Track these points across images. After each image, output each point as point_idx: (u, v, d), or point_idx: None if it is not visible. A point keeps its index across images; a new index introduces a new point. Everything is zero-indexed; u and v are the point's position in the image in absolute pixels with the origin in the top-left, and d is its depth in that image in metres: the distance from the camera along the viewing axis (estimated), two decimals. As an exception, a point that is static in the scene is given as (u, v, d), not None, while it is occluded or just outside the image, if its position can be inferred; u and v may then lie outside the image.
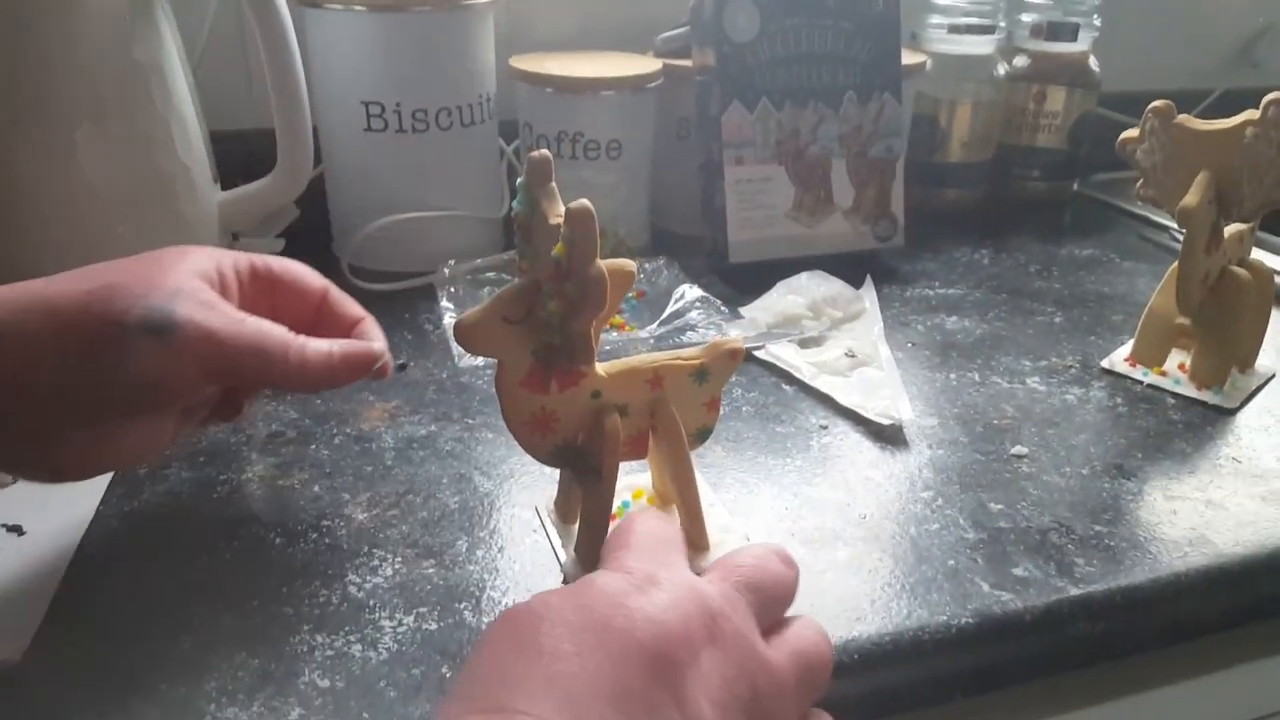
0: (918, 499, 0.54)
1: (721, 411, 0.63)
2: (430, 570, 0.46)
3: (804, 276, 0.77)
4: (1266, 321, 0.69)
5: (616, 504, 0.50)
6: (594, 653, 0.31)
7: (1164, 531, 0.51)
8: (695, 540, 0.48)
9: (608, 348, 0.70)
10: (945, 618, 0.45)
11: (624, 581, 0.35)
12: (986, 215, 1.01)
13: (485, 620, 0.43)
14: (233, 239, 0.73)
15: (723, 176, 0.81)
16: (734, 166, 0.81)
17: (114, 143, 0.61)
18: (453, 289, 0.76)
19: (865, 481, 0.55)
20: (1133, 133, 0.66)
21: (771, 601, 0.38)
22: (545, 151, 0.42)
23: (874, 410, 0.61)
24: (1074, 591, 0.47)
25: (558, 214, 0.40)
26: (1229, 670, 0.52)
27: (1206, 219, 0.62)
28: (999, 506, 0.53)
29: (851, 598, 0.46)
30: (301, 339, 0.45)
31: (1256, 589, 0.50)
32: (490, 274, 0.80)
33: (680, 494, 0.47)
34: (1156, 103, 0.63)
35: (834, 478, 0.55)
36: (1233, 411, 0.64)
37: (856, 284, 0.79)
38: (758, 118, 0.81)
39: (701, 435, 0.48)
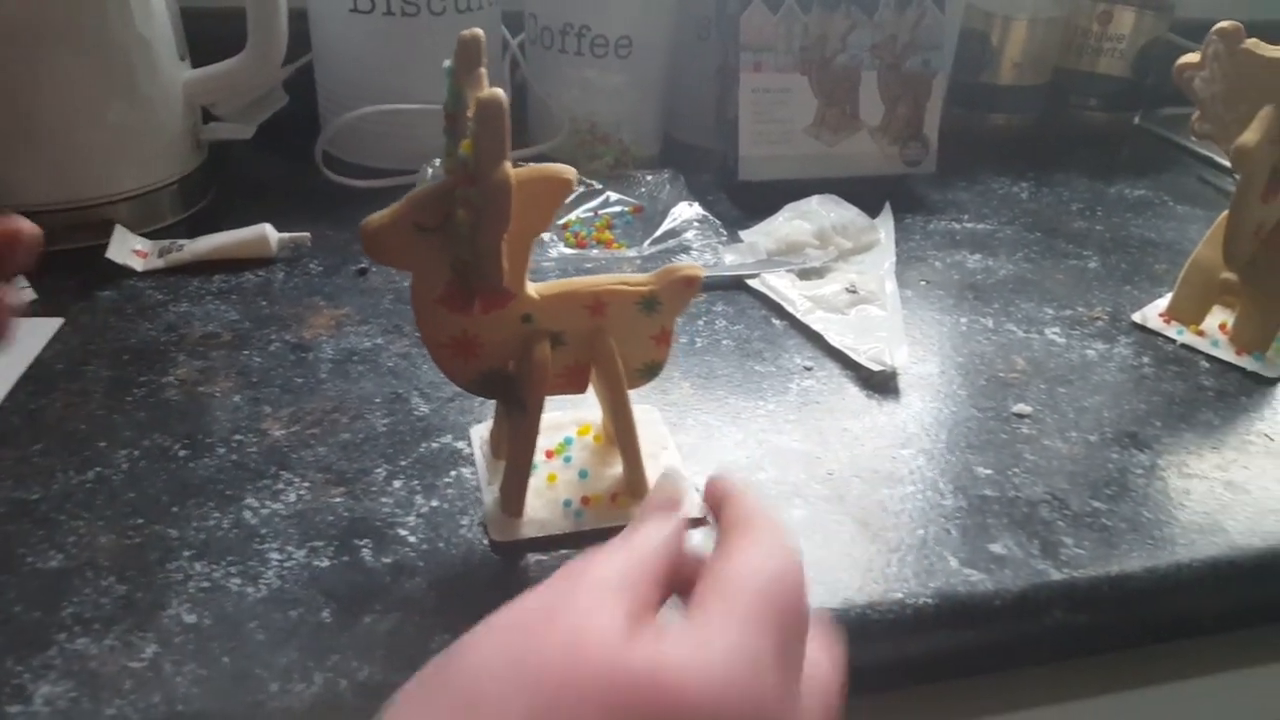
0: (896, 457, 0.48)
1: (699, 344, 0.58)
2: (338, 500, 0.42)
3: (814, 200, 0.70)
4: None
5: (558, 439, 0.46)
6: None
7: (1172, 514, 0.45)
8: (634, 487, 0.43)
9: (589, 266, 0.65)
10: (901, 596, 0.39)
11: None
12: (1035, 145, 0.92)
13: (385, 562, 0.39)
14: (204, 120, 0.69)
15: (737, 84, 0.74)
16: (751, 73, 0.74)
17: (64, 8, 0.56)
18: (433, 191, 0.70)
19: (841, 433, 0.50)
20: (1193, 57, 0.57)
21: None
22: (477, 31, 0.36)
23: (865, 353, 0.55)
24: (1056, 576, 0.41)
25: (478, 106, 0.34)
26: (1227, 675, 0.46)
27: (1266, 160, 0.54)
28: (987, 472, 0.47)
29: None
30: None
31: (1271, 588, 0.44)
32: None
33: (618, 435, 0.42)
34: (1222, 23, 0.54)
35: (807, 427, 0.50)
36: (1273, 381, 0.57)
37: (875, 212, 0.73)
38: (781, 19, 0.73)
39: (648, 372, 0.42)
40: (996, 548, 0.42)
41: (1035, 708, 0.43)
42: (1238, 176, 0.54)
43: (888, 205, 0.73)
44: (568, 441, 0.46)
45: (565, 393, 0.42)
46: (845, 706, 0.40)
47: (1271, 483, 0.48)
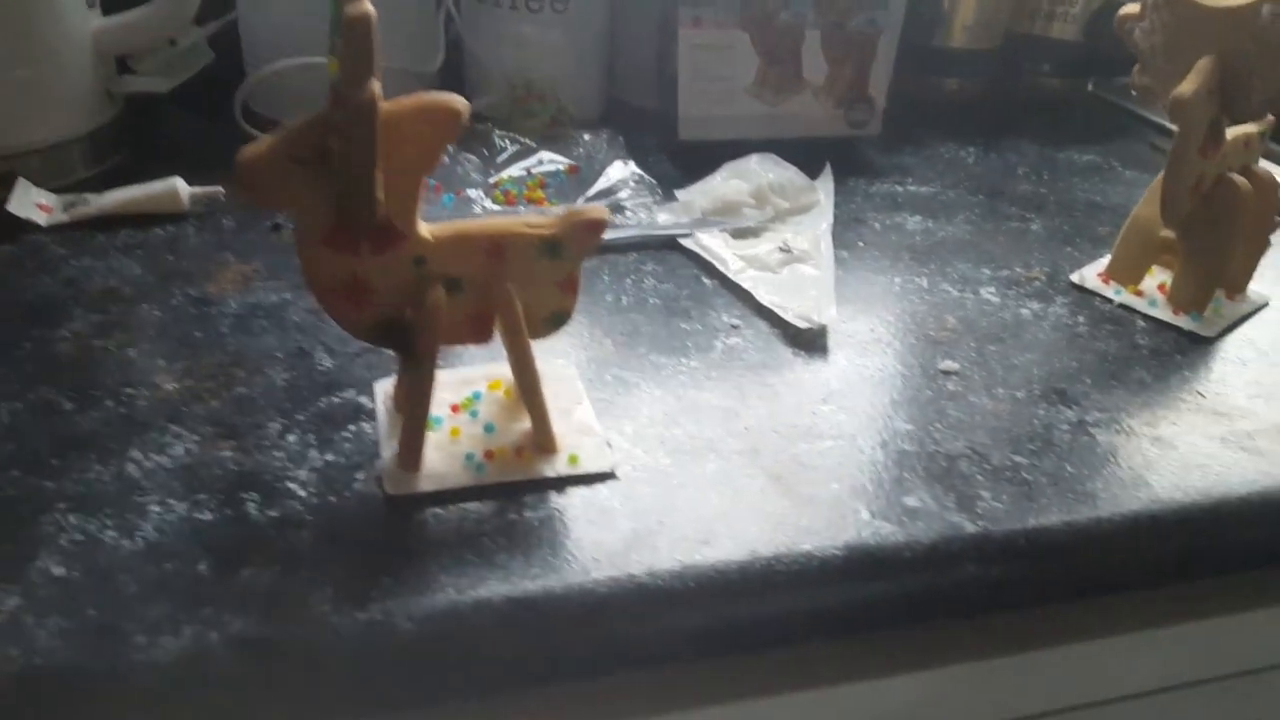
0: (816, 412, 0.47)
1: (625, 302, 0.57)
2: (227, 454, 0.40)
3: (753, 159, 0.68)
4: (1265, 242, 0.60)
5: (466, 393, 0.44)
6: None
7: (1096, 469, 0.44)
8: (542, 441, 0.41)
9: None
10: (808, 548, 0.38)
11: None
12: (986, 111, 0.91)
13: (271, 515, 0.37)
14: (119, 72, 0.66)
15: (676, 40, 0.72)
16: (690, 29, 0.72)
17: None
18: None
19: (762, 389, 0.48)
20: (1133, 8, 0.56)
21: None
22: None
23: (793, 311, 0.54)
24: (969, 529, 0.40)
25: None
26: (1148, 632, 0.45)
27: (1204, 113, 0.53)
28: (908, 427, 0.46)
29: (705, 518, 0.39)
30: None
31: (1193, 543, 0.43)
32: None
33: (520, 387, 0.40)
34: (1160, -30, 0.53)
35: (728, 383, 0.49)
36: (1210, 340, 0.56)
37: (817, 174, 0.71)
38: (721, -26, 0.72)
39: (555, 321, 0.41)
40: (911, 500, 0.41)
41: (951, 665, 0.42)
42: (1175, 130, 0.53)
43: (828, 166, 0.72)
44: (476, 396, 0.44)
45: (468, 343, 0.41)
46: (754, 661, 0.39)
47: (1200, 439, 0.47)
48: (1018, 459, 0.44)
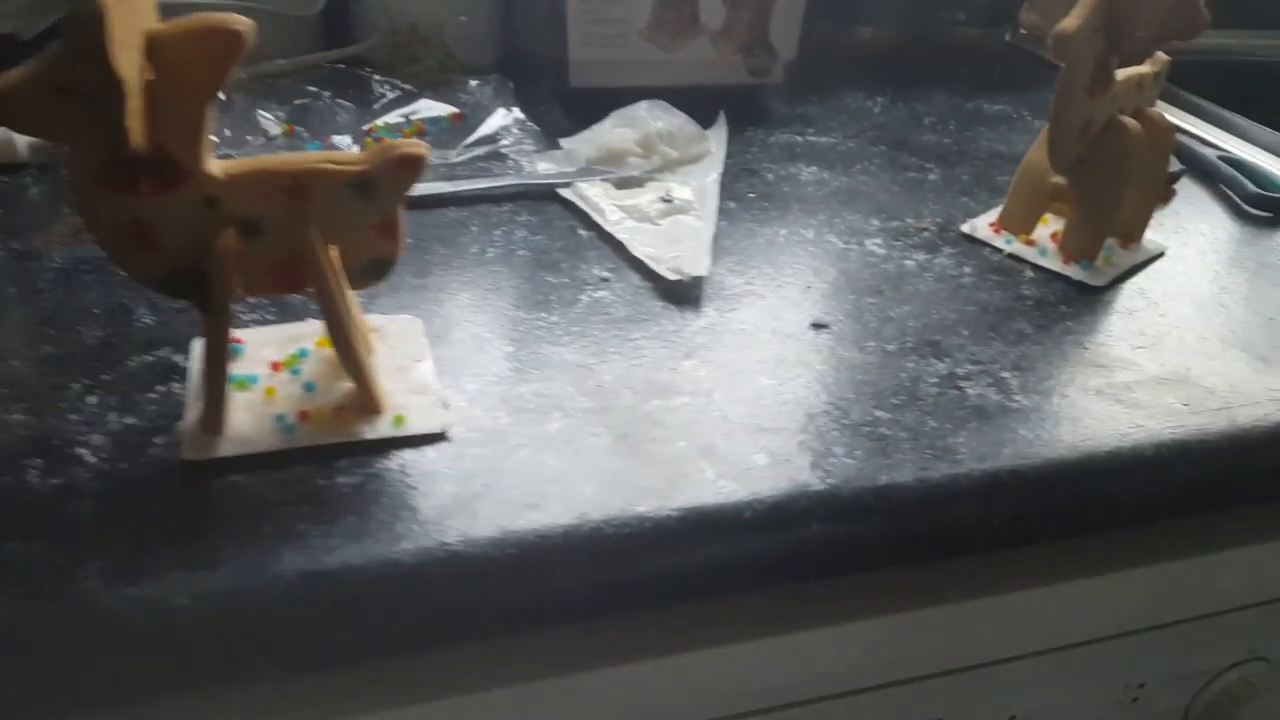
0: (677, 369, 0.44)
1: (490, 254, 0.54)
2: (17, 418, 0.37)
3: (642, 106, 0.65)
4: (1159, 187, 0.58)
5: (291, 350, 0.41)
6: None
7: (959, 424, 0.42)
8: (365, 402, 0.39)
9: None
10: (643, 510, 0.36)
11: None
12: (900, 61, 0.89)
13: (53, 483, 0.34)
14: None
15: (564, -18, 0.69)
16: (578, -29, 0.69)
17: None
18: (229, 96, 0.64)
19: (624, 344, 0.46)
20: (1021, -59, 0.54)
21: None
22: None
23: (666, 264, 0.51)
24: (817, 486, 0.38)
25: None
26: (1008, 595, 0.44)
27: (1089, 51, 0.50)
28: (769, 382, 0.44)
29: (537, 480, 0.37)
30: None
31: (1054, 500, 0.41)
32: (286, 81, 0.69)
33: (334, 344, 0.37)
34: (1043, -100, 0.50)
35: (588, 338, 0.46)
36: (1099, 290, 0.54)
37: (713, 122, 0.68)
38: (611, -87, 0.68)
39: (374, 269, 0.38)
40: (760, 458, 0.39)
41: (800, 630, 0.40)
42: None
43: (722, 115, 0.69)
44: (302, 354, 0.41)
45: (276, 293, 0.38)
46: (588, 631, 0.37)
47: (1075, 391, 0.45)
48: (879, 413, 0.42)
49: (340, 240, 0.37)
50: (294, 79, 0.69)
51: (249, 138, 0.61)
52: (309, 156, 0.35)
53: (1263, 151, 0.74)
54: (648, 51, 0.71)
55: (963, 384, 0.45)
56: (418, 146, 0.36)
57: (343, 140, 0.62)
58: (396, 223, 0.37)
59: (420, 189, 0.57)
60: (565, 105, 0.72)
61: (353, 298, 0.41)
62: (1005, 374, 0.46)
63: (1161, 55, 0.57)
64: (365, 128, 0.64)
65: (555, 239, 0.55)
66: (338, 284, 0.37)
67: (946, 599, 0.42)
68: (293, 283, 0.37)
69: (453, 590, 0.34)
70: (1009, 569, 0.43)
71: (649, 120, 0.64)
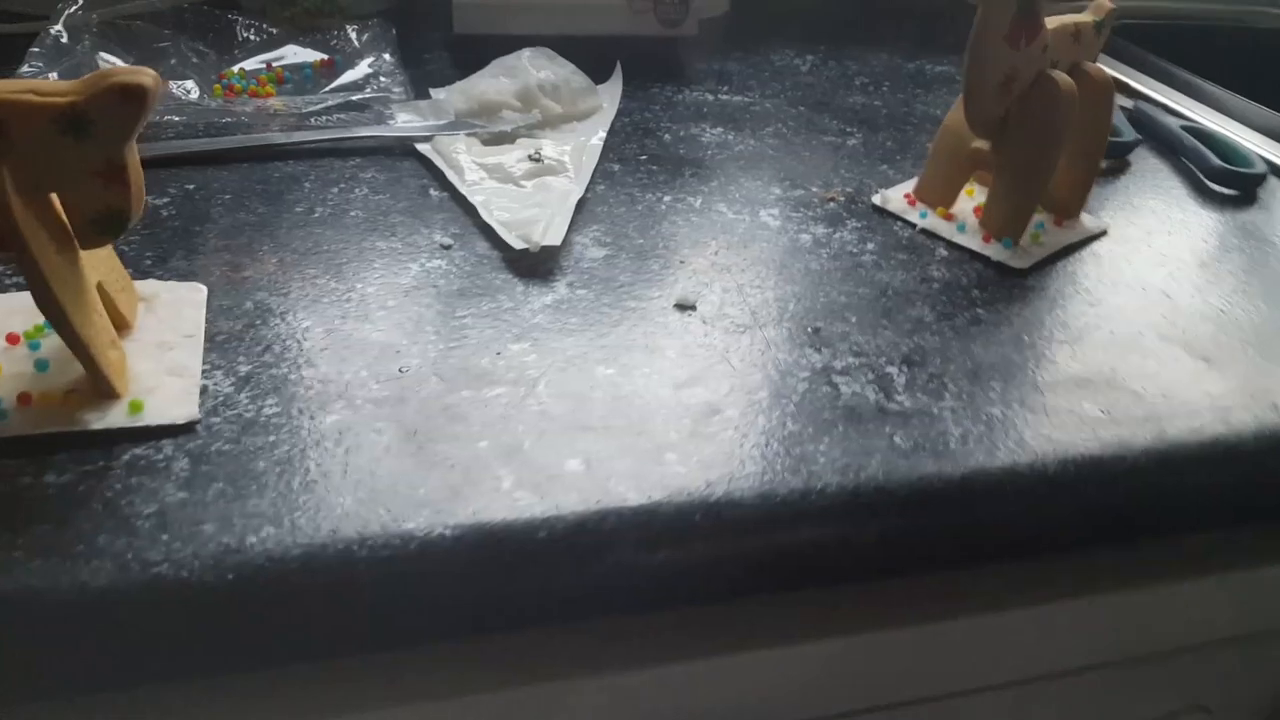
0: (503, 352, 0.38)
1: (319, 214, 0.47)
2: None
3: (525, 55, 0.58)
4: (1099, 151, 0.52)
5: (40, 321, 0.34)
6: None
7: (823, 428, 0.36)
8: (98, 385, 0.32)
9: (245, 119, 0.52)
10: (410, 526, 0.29)
11: None
12: (840, 16, 0.82)
13: None
14: None
15: (448, -86, 0.61)
16: (465, -98, 0.61)
17: None
18: (58, 40, 0.57)
19: (445, 323, 0.39)
20: None
21: None
22: None
23: (516, 230, 0.45)
24: (632, 501, 0.31)
25: None
26: (876, 634, 0.37)
27: (1006, -6, 0.44)
28: (608, 372, 0.37)
29: (285, 491, 0.30)
30: None
31: (925, 525, 0.35)
32: (142, 24, 0.61)
33: (45, 315, 0.31)
34: None
35: (404, 314, 0.39)
36: (1021, 274, 0.48)
37: (609, 75, 0.62)
38: None
39: (107, 224, 0.31)
40: (573, 464, 0.33)
41: (620, 670, 0.34)
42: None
43: (618, 67, 0.62)
44: (48, 326, 0.35)
45: (-25, 253, 0.31)
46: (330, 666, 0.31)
47: (971, 392, 0.39)
48: (729, 413, 0.36)
49: (57, 189, 0.30)
50: (150, 22, 0.61)
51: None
52: (5, 85, 0.29)
53: (1232, 121, 0.67)
54: (545, -5, 0.64)
55: (838, 379, 0.39)
56: (140, 74, 0.29)
57: (188, 85, 0.55)
58: (124, 167, 0.30)
59: (251, 139, 0.51)
60: (455, 55, 0.65)
61: (110, 258, 0.35)
62: (890, 369, 0.40)
63: (1105, 2, 0.51)
64: (217, 74, 0.57)
65: (399, 199, 0.48)
66: (49, 242, 0.30)
67: (800, 636, 0.36)
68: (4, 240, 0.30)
69: (151, 621, 0.27)
70: (886, 601, 0.37)
71: (530, 70, 0.57)
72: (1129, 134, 0.62)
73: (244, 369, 0.35)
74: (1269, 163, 0.61)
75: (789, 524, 0.33)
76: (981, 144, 0.50)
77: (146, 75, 0.29)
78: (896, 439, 0.36)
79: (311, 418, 0.33)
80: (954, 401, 0.38)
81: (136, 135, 0.30)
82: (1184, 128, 0.63)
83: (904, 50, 0.76)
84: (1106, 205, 0.55)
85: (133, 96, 0.29)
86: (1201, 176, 0.60)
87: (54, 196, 0.31)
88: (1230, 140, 0.62)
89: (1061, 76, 0.47)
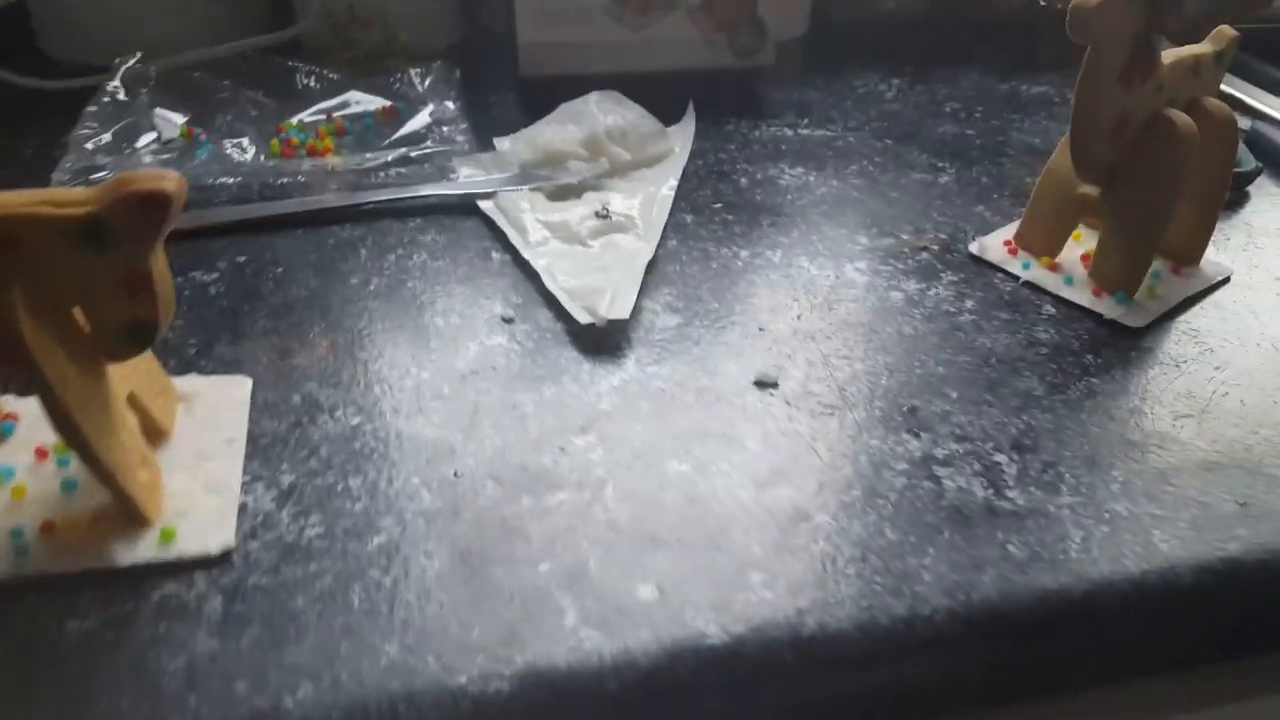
0: (567, 446, 0.35)
1: (375, 286, 0.44)
2: None
3: (592, 99, 0.55)
4: (1222, 192, 0.46)
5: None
6: None
7: (926, 534, 0.32)
8: (128, 510, 0.30)
9: (302, 179, 0.50)
10: (463, 680, 0.26)
11: None
12: (926, 35, 0.77)
13: None
14: None
15: (509, -51, 0.58)
16: (526, -65, 0.58)
17: None
18: (115, 97, 0.56)
19: (505, 413, 0.36)
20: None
21: None
22: None
23: (579, 301, 0.41)
24: (714, 640, 0.28)
25: None
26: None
27: (1119, 25, 0.39)
28: (682, 469, 0.34)
29: (328, 636, 0.27)
30: None
31: (1050, 652, 0.31)
32: (201, 75, 0.60)
33: (69, 445, 0.28)
34: None
35: (461, 404, 0.36)
36: (1138, 332, 0.43)
37: (682, 115, 0.58)
38: None
39: (134, 335, 0.29)
40: (645, 591, 0.29)
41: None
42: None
43: (690, 107, 0.58)
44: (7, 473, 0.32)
45: (-2, 371, 0.29)
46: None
47: (1093, 484, 0.34)
48: (820, 518, 0.32)
49: (79, 303, 0.28)
50: (210, 71, 0.60)
51: (136, 144, 0.53)
52: (17, 197, 0.26)
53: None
54: (609, 31, 0.61)
55: (940, 472, 0.34)
56: (161, 180, 0.26)
57: (243, 142, 0.53)
58: (148, 276, 0.28)
59: (306, 202, 0.48)
60: (521, 97, 0.62)
61: (145, 361, 0.33)
62: (999, 457, 0.35)
63: (1227, 30, 0.45)
64: (275, 126, 0.55)
65: (459, 264, 0.45)
66: (68, 362, 0.28)
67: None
68: (12, 356, 0.28)
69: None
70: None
71: (598, 115, 0.54)
72: (1248, 162, 0.56)
73: (287, 479, 0.33)
74: None
75: (892, 659, 0.29)
76: (1089, 190, 0.45)
77: (168, 180, 0.26)
78: (1010, 546, 0.32)
79: (358, 538, 0.31)
80: (1071, 496, 0.34)
81: (161, 242, 0.27)
82: (1312, 150, 0.57)
83: (996, 69, 0.71)
84: (1226, 245, 0.50)
85: (154, 204, 0.26)
86: (1335, 206, 0.54)
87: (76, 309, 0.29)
88: (1367, 162, 0.56)
89: (1180, 116, 0.42)
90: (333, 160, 0.52)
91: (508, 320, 0.41)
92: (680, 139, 0.56)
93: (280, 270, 0.44)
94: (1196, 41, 0.44)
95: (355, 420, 0.35)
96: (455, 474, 0.33)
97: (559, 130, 0.53)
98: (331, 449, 0.34)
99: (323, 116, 0.57)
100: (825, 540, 0.31)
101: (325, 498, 0.32)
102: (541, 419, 0.36)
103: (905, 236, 0.49)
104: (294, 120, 0.56)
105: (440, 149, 0.53)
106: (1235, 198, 0.54)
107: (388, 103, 0.59)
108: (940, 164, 0.56)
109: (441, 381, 0.38)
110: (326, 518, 0.31)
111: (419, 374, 0.38)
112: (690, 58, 0.62)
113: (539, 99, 0.58)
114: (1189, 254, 0.47)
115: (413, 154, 0.52)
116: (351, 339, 0.40)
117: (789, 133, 0.60)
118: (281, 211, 0.47)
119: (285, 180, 0.51)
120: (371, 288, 0.43)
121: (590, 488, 0.33)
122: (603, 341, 0.40)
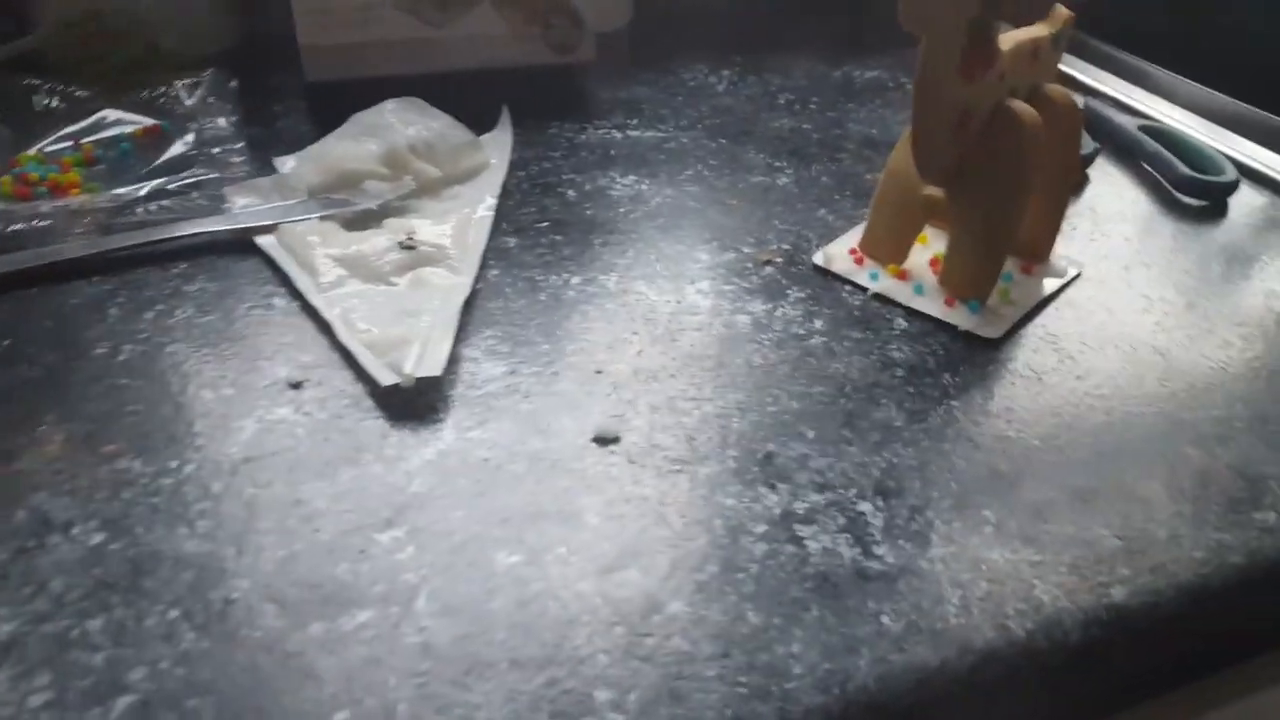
0: (368, 548, 0.29)
1: (124, 356, 0.35)
2: None
3: (388, 108, 0.49)
4: (1068, 184, 0.44)
5: None
6: None
7: (793, 613, 0.28)
8: None
9: (41, 223, 0.42)
10: None
11: None
12: (756, 18, 0.73)
13: None
14: None
15: (283, -59, 0.51)
16: (301, -75, 0.51)
17: None
18: None
19: (288, 511, 0.30)
20: None
21: None
22: None
23: (383, 356, 0.35)
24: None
25: None
26: None
27: (955, 15, 0.36)
28: (511, 560, 0.29)
29: None
30: None
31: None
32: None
33: None
34: None
35: (231, 505, 0.30)
36: (994, 344, 0.40)
37: (493, 122, 0.52)
38: None
39: None
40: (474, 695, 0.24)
41: None
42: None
43: (505, 112, 0.53)
44: None
45: None
46: None
47: (963, 530, 0.31)
48: (674, 606, 0.27)
49: None
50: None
51: None
52: None
53: (1194, 116, 0.60)
54: (404, 27, 0.54)
55: (802, 531, 0.30)
56: None
57: (-42, 181, 0.44)
58: None
59: (42, 254, 0.40)
60: (309, 106, 0.55)
61: None
62: (863, 506, 0.32)
63: (1062, 10, 0.43)
64: (7, 163, 0.46)
65: (233, 319, 0.38)
66: None
67: None
68: None
69: None
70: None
71: (397, 126, 0.47)
72: (1086, 144, 0.55)
73: (6, 629, 0.26)
74: (1239, 165, 0.54)
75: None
76: (935, 190, 0.42)
77: None
78: (884, 618, 0.28)
79: (99, 702, 0.24)
80: (943, 546, 0.31)
81: None
82: (1142, 128, 0.56)
83: (827, 54, 0.68)
84: (1074, 236, 0.48)
85: None
86: (1168, 186, 0.53)
87: None
88: (1195, 142, 0.55)
89: (1023, 107, 0.39)
90: (78, 199, 0.44)
91: (295, 385, 0.35)
92: (496, 149, 0.50)
93: (5, 344, 0.36)
94: (1034, 23, 0.41)
95: (97, 539, 0.28)
96: (227, 600, 0.27)
97: (352, 146, 0.46)
98: (66, 581, 0.27)
99: (69, 144, 0.48)
100: (680, 635, 0.27)
101: (56, 650, 0.25)
102: (336, 515, 0.30)
103: (747, 250, 0.45)
104: (32, 151, 0.48)
105: (210, 175, 0.46)
106: (1075, 181, 0.53)
107: (150, 121, 0.50)
108: (778, 164, 0.53)
109: (209, 477, 0.31)
110: (57, 678, 0.24)
111: (180, 471, 0.31)
112: (501, 55, 0.57)
113: (330, 108, 0.51)
114: (1038, 249, 0.45)
115: (171, 186, 0.45)
116: (94, 429, 0.32)
117: (618, 135, 0.55)
118: (10, 268, 0.39)
119: (18, 228, 0.42)
120: (122, 358, 0.36)
121: (398, 601, 0.27)
122: (413, 404, 0.34)
